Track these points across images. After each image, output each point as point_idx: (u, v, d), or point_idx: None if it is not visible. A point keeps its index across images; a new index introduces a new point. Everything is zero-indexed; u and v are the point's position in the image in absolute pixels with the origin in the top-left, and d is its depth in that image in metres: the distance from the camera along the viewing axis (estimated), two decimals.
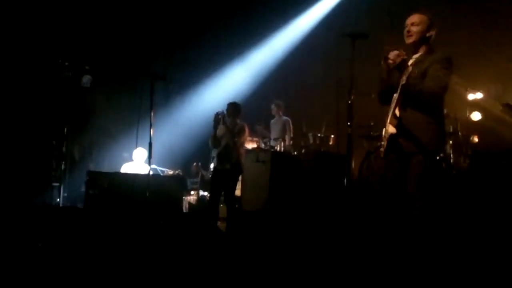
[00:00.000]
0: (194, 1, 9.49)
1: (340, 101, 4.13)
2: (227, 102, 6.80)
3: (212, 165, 7.98)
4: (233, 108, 6.70)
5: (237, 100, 6.96)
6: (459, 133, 7.29)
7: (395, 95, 3.81)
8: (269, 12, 9.71)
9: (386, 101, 3.96)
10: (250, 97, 9.88)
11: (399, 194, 3.85)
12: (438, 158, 4.22)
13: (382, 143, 3.97)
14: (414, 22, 3.89)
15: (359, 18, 8.36)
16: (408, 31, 3.90)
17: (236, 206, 6.83)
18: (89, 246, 5.01)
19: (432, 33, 3.90)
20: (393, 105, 3.82)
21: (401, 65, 3.72)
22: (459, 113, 7.51)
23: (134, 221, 5.79)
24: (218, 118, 6.45)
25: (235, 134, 6.50)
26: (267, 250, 5.20)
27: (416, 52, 3.93)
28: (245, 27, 9.91)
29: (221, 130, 6.61)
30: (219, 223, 6.77)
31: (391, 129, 3.80)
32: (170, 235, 5.78)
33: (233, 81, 10.23)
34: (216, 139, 6.59)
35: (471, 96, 7.84)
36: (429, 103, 3.81)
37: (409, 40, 3.92)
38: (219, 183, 6.53)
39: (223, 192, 6.55)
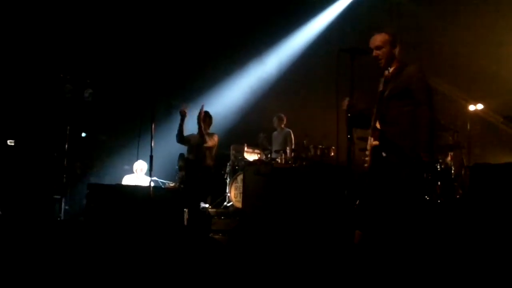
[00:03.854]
0: (195, 18, 9.55)
1: (340, 114, 4.15)
2: (228, 115, 6.88)
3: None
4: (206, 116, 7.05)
5: (238, 114, 7.06)
6: (460, 145, 7.29)
7: (374, 110, 3.88)
8: (270, 26, 9.78)
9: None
10: (251, 110, 9.91)
11: (390, 205, 3.89)
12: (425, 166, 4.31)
13: (366, 158, 4.03)
14: (378, 45, 3.99)
15: (359, 33, 8.41)
16: (376, 56, 4.01)
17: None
18: (89, 259, 5.00)
19: (397, 49, 4.01)
20: (372, 117, 3.89)
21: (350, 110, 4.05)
22: (460, 124, 7.52)
23: (135, 234, 5.78)
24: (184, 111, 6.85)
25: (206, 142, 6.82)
26: (268, 263, 5.18)
27: (387, 68, 4.03)
28: (245, 41, 9.97)
29: (193, 138, 6.85)
30: (219, 235, 6.77)
31: (373, 141, 3.86)
32: (172, 247, 5.77)
33: (234, 94, 10.27)
34: (183, 135, 6.96)
35: (471, 107, 7.86)
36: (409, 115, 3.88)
37: (381, 65, 4.03)
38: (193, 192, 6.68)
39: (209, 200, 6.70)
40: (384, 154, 3.86)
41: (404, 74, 3.82)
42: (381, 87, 4.02)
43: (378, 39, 4.00)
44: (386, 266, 3.87)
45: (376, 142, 3.85)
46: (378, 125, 3.85)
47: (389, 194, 3.88)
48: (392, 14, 8.56)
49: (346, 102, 4.08)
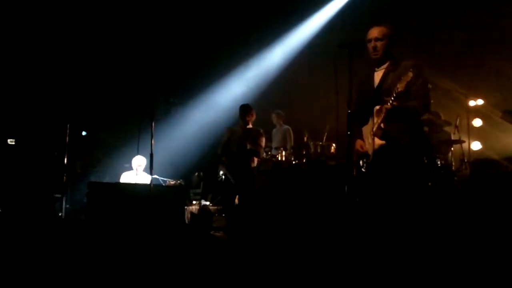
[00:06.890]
0: (193, 17, 9.54)
1: (340, 110, 4.12)
2: (228, 112, 6.82)
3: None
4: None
5: (237, 111, 6.98)
6: (460, 140, 7.28)
7: (377, 107, 3.85)
8: (268, 22, 9.76)
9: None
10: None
11: (390, 203, 3.88)
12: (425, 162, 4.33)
13: (363, 159, 4.02)
14: (378, 37, 3.95)
15: (358, 29, 8.40)
16: (374, 47, 3.95)
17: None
18: (90, 257, 5.00)
19: (393, 46, 4.00)
20: (375, 118, 3.86)
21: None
22: (460, 120, 7.51)
23: (136, 232, 5.78)
24: None
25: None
26: (270, 259, 5.18)
27: (381, 64, 4.01)
28: (244, 37, 9.96)
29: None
30: (221, 233, 6.77)
31: (378, 141, 3.84)
32: (173, 245, 5.77)
33: (233, 92, 10.25)
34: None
35: (472, 103, 7.86)
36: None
37: (375, 56, 3.99)
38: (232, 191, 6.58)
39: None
40: (387, 154, 3.83)
41: (400, 70, 3.78)
42: (376, 83, 4.00)
43: (377, 30, 3.97)
44: (386, 263, 3.86)
45: (383, 142, 3.82)
46: (382, 125, 3.82)
47: (393, 193, 3.86)
48: (393, 10, 8.55)
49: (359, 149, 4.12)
